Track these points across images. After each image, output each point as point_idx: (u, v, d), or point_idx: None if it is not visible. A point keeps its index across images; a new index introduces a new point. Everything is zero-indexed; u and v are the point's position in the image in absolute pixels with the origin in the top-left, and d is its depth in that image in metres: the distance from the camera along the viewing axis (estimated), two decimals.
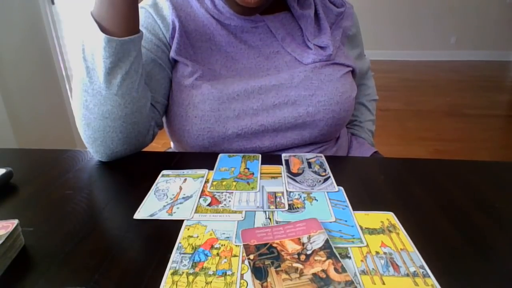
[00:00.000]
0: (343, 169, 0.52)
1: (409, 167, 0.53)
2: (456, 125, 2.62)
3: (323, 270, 0.31)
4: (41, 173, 0.51)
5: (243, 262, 0.33)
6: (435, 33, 4.84)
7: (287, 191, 0.45)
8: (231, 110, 0.56)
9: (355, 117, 0.83)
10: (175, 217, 0.40)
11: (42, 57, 1.77)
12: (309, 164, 0.52)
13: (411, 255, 0.34)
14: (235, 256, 0.34)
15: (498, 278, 0.32)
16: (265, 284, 0.30)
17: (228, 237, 0.36)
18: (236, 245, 0.35)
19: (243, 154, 0.56)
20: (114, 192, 0.47)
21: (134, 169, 0.52)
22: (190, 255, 0.34)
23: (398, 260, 0.33)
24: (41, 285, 0.31)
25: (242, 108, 0.57)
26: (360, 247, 0.35)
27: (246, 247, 0.34)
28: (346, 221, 0.39)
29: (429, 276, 0.31)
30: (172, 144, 0.75)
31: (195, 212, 0.41)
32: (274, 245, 0.35)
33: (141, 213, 0.41)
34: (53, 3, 1.81)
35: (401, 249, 0.35)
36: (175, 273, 0.32)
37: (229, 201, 0.43)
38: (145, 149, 0.59)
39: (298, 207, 0.42)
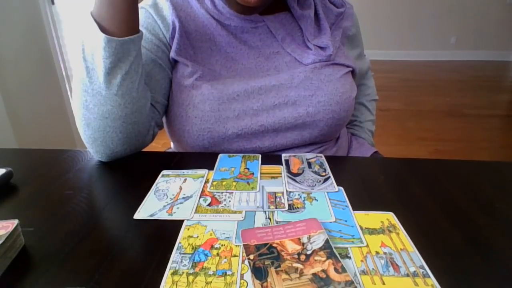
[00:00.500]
0: (343, 169, 0.53)
1: (409, 167, 0.53)
2: (456, 125, 2.62)
3: (323, 270, 0.31)
4: (41, 173, 0.51)
5: (243, 262, 0.33)
6: (435, 33, 4.84)
7: (287, 191, 0.45)
8: (231, 110, 0.56)
9: (355, 117, 0.83)
10: (175, 217, 0.40)
11: (42, 57, 1.77)
12: (309, 164, 0.52)
13: (411, 255, 0.34)
14: (235, 256, 0.34)
15: (498, 278, 0.32)
16: (265, 284, 0.30)
17: (228, 237, 0.36)
18: (236, 245, 0.35)
19: (243, 154, 0.56)
20: (114, 192, 0.47)
21: (134, 169, 0.52)
22: (190, 255, 0.34)
23: (398, 260, 0.33)
24: (41, 285, 0.31)
25: (242, 108, 0.57)
26: (360, 247, 0.35)
27: (246, 247, 0.34)
28: (346, 221, 0.39)
29: (429, 276, 0.31)
30: (172, 144, 0.75)
31: (195, 212, 0.41)
32: (274, 245, 0.35)
33: (141, 213, 0.41)
34: (53, 3, 1.81)
35: (401, 249, 0.35)
36: (175, 273, 0.32)
37: (229, 201, 0.43)
38: (145, 149, 0.59)
39: (298, 207, 0.42)
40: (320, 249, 0.34)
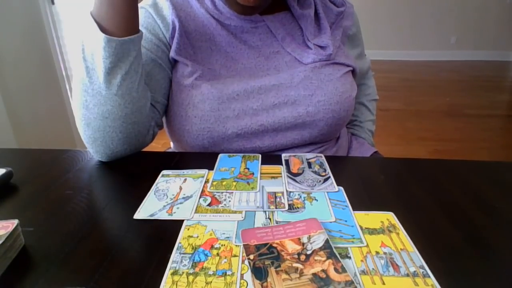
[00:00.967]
0: (343, 169, 0.52)
1: (409, 167, 0.53)
2: (456, 125, 2.62)
3: (323, 270, 0.31)
4: (41, 173, 0.51)
5: (243, 262, 0.33)
6: (435, 33, 4.84)
7: (287, 191, 0.45)
8: (231, 110, 0.56)
9: (355, 117, 0.83)
10: (175, 217, 0.40)
11: (42, 57, 1.77)
12: (309, 164, 0.52)
13: (411, 255, 0.34)
14: (235, 256, 0.34)
15: (498, 278, 0.32)
16: (265, 284, 0.30)
17: (228, 237, 0.36)
18: (236, 245, 0.35)
19: (243, 154, 0.56)
20: (114, 192, 0.47)
21: (134, 169, 0.52)
22: (190, 255, 0.34)
23: (398, 260, 0.33)
24: (41, 285, 0.31)
25: (242, 108, 0.57)
26: (360, 247, 0.35)
27: (246, 247, 0.34)
28: (346, 221, 0.39)
29: (429, 276, 0.31)
30: (172, 144, 0.75)
31: (195, 212, 0.41)
32: (274, 245, 0.35)
33: (141, 213, 0.41)
34: (53, 3, 1.81)
35: (401, 249, 0.35)
36: (175, 273, 0.32)
37: (229, 201, 0.43)
38: (145, 149, 0.59)
39: (298, 207, 0.42)
40: (320, 249, 0.34)
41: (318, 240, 0.35)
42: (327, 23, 0.63)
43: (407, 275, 0.32)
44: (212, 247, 0.35)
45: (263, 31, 0.62)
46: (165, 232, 0.38)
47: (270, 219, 0.40)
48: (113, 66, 0.49)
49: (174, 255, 0.34)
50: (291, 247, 0.34)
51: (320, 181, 0.47)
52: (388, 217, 0.40)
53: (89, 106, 0.50)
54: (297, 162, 0.53)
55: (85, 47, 0.49)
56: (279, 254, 0.33)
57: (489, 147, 2.28)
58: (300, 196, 0.44)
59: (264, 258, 0.33)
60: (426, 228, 0.38)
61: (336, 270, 0.31)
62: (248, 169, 0.51)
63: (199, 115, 0.56)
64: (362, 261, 0.33)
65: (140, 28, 0.53)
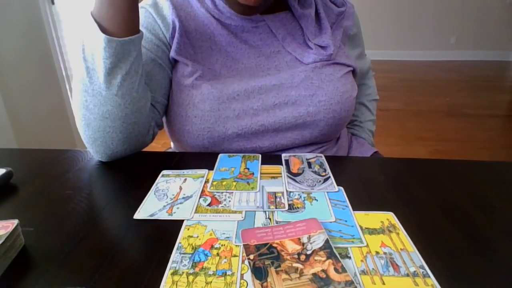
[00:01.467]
0: (343, 169, 0.52)
1: (409, 167, 0.53)
2: (456, 125, 2.62)
3: (323, 270, 0.31)
4: (41, 173, 0.51)
5: (243, 262, 0.33)
6: (435, 33, 4.84)
7: (287, 191, 0.45)
8: (231, 110, 0.56)
9: (355, 117, 0.83)
10: (175, 217, 0.40)
11: (42, 57, 1.77)
12: (309, 164, 0.52)
13: (411, 255, 0.34)
14: (235, 256, 0.34)
15: (498, 278, 0.32)
16: (265, 284, 0.30)
17: (228, 237, 0.36)
18: (236, 245, 0.35)
19: (243, 154, 0.56)
20: (114, 192, 0.47)
21: (134, 169, 0.52)
22: (190, 255, 0.34)
23: (398, 260, 0.33)
24: (41, 285, 0.31)
25: (242, 108, 0.57)
26: (360, 247, 0.35)
27: (246, 247, 0.34)
28: (346, 221, 0.39)
29: (429, 276, 0.31)
30: (172, 144, 0.75)
31: (195, 212, 0.41)
32: (274, 245, 0.35)
33: (141, 213, 0.41)
34: (53, 3, 1.81)
35: (401, 249, 0.35)
36: (175, 273, 0.32)
37: (229, 201, 0.43)
38: (145, 149, 0.59)
39: (298, 207, 0.42)
40: (320, 249, 0.34)
41: (318, 240, 0.35)
42: (327, 23, 0.63)
43: (407, 275, 0.32)
44: (212, 247, 0.35)
45: (263, 30, 0.62)
46: (165, 232, 0.38)
47: (270, 219, 0.40)
48: (113, 66, 0.49)
49: (174, 255, 0.34)
50: (291, 247, 0.34)
51: (320, 181, 0.47)
52: (388, 217, 0.40)
53: (89, 106, 0.50)
54: (297, 162, 0.53)
55: (85, 47, 0.49)
56: (279, 254, 0.33)
57: (489, 147, 2.28)
58: (300, 196, 0.44)
59: (264, 258, 0.33)
60: (426, 228, 0.38)
61: (336, 270, 0.31)
62: (248, 169, 0.51)
63: (199, 115, 0.56)
64: (362, 261, 0.33)
65: (140, 28, 0.53)
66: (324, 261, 0.32)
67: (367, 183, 0.48)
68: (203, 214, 0.40)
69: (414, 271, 0.32)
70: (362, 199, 0.44)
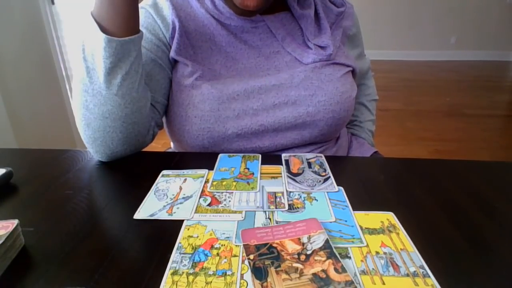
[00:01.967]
0: (343, 169, 0.52)
1: (409, 167, 0.53)
2: (456, 125, 2.62)
3: (323, 270, 0.31)
4: (41, 173, 0.51)
5: (243, 262, 0.33)
6: (435, 33, 4.83)
7: (287, 191, 0.45)
8: (231, 110, 0.56)
9: (355, 117, 0.83)
10: (175, 217, 0.40)
11: (42, 57, 1.77)
12: (309, 164, 0.52)
13: (411, 255, 0.34)
14: (235, 256, 0.34)
15: (498, 278, 0.32)
16: (265, 284, 0.30)
17: (228, 237, 0.36)
18: (236, 245, 0.35)
19: (243, 154, 0.56)
20: (114, 192, 0.47)
21: (134, 169, 0.52)
22: (190, 255, 0.34)
23: (398, 260, 0.33)
24: (41, 285, 0.31)
25: (242, 108, 0.57)
26: (360, 247, 0.35)
27: (246, 247, 0.34)
28: (346, 221, 0.39)
29: (429, 276, 0.31)
30: (172, 144, 0.75)
31: (195, 212, 0.41)
32: (274, 245, 0.35)
33: (141, 213, 0.41)
34: (53, 3, 1.81)
35: (401, 249, 0.35)
36: (175, 273, 0.32)
37: (229, 201, 0.43)
38: (145, 149, 0.59)
39: (298, 207, 0.42)
40: (320, 249, 0.34)
41: (318, 240, 0.35)
42: (327, 23, 0.63)
43: (407, 275, 0.32)
44: (212, 247, 0.35)
45: (263, 31, 0.62)
46: (165, 232, 0.38)
47: (270, 219, 0.40)
48: (113, 66, 0.49)
49: (174, 255, 0.34)
50: (291, 247, 0.34)
51: (320, 181, 0.47)
52: (388, 217, 0.40)
53: (89, 106, 0.50)
54: (297, 162, 0.53)
55: (86, 47, 0.49)
56: (279, 254, 0.33)
57: (489, 147, 2.28)
58: (300, 196, 0.44)
59: (264, 258, 0.33)
60: (426, 228, 0.38)
61: (336, 270, 0.31)
62: (248, 169, 0.51)
63: (199, 115, 0.56)
64: (362, 261, 0.33)
65: (140, 28, 0.53)
66: (324, 261, 0.32)
67: (367, 183, 0.48)
68: (203, 214, 0.40)
69: (414, 271, 0.32)
70: (362, 199, 0.44)
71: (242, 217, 0.40)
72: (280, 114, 0.58)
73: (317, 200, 0.43)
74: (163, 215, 0.40)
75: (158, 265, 0.33)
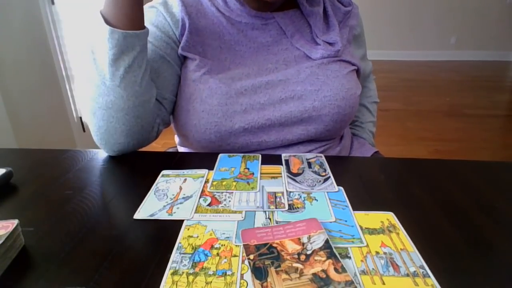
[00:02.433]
0: (343, 169, 0.53)
1: (409, 167, 0.53)
2: (456, 125, 2.62)
3: (323, 270, 0.31)
4: (41, 173, 0.51)
5: (243, 262, 0.33)
6: (435, 33, 4.83)
7: (287, 191, 0.45)
8: (239, 104, 0.57)
9: (356, 118, 0.83)
10: (175, 217, 0.40)
11: (42, 57, 1.77)
12: (309, 164, 0.52)
13: (411, 255, 0.34)
14: (235, 256, 0.34)
15: (498, 278, 0.32)
16: (265, 284, 0.30)
17: (228, 237, 0.36)
18: (236, 245, 0.35)
19: (243, 154, 0.56)
20: (114, 192, 0.47)
21: (134, 169, 0.52)
22: (190, 255, 0.34)
23: (398, 260, 0.33)
24: (41, 285, 0.31)
25: (250, 102, 0.57)
26: (360, 247, 0.35)
27: (246, 247, 0.34)
28: (346, 221, 0.39)
29: (429, 276, 0.31)
30: (177, 140, 0.75)
31: (195, 212, 0.41)
32: (274, 245, 0.35)
33: (141, 213, 0.41)
34: (53, 3, 1.81)
35: (401, 249, 0.35)
36: (175, 273, 0.32)
37: (229, 201, 0.43)
38: (145, 149, 0.59)
39: (298, 207, 0.42)
40: (320, 249, 0.34)
41: (318, 240, 0.35)
42: (335, 21, 0.64)
43: (407, 275, 0.32)
44: (212, 247, 0.35)
45: (273, 27, 0.63)
46: (165, 232, 0.38)
47: (270, 219, 0.40)
48: (116, 58, 0.50)
49: (174, 255, 0.34)
50: (291, 247, 0.34)
51: (320, 181, 0.47)
52: (388, 217, 0.40)
53: (94, 96, 0.52)
54: (297, 162, 0.53)
55: (94, 39, 0.51)
56: (279, 254, 0.33)
57: (489, 147, 2.28)
58: (300, 196, 0.44)
59: (264, 258, 0.33)
60: (426, 228, 0.38)
61: (336, 270, 0.31)
62: (248, 169, 0.51)
63: (207, 109, 0.56)
64: (362, 261, 0.33)
65: (150, 25, 0.55)
66: (324, 261, 0.32)
67: (367, 183, 0.48)
68: (203, 214, 0.40)
69: (414, 271, 0.32)
70: (362, 199, 0.44)
71: (242, 217, 0.40)
72: (286, 108, 0.58)
73: (317, 200, 0.43)
74: (163, 215, 0.40)
75: (158, 265, 0.33)
